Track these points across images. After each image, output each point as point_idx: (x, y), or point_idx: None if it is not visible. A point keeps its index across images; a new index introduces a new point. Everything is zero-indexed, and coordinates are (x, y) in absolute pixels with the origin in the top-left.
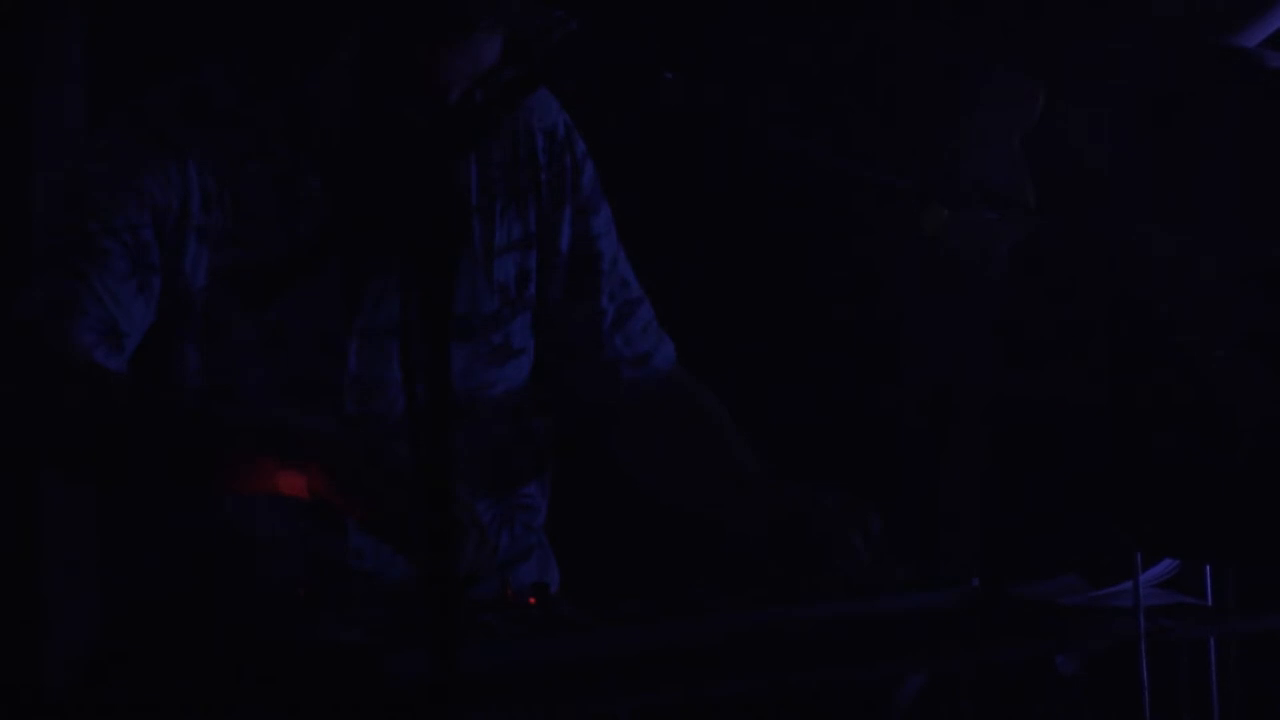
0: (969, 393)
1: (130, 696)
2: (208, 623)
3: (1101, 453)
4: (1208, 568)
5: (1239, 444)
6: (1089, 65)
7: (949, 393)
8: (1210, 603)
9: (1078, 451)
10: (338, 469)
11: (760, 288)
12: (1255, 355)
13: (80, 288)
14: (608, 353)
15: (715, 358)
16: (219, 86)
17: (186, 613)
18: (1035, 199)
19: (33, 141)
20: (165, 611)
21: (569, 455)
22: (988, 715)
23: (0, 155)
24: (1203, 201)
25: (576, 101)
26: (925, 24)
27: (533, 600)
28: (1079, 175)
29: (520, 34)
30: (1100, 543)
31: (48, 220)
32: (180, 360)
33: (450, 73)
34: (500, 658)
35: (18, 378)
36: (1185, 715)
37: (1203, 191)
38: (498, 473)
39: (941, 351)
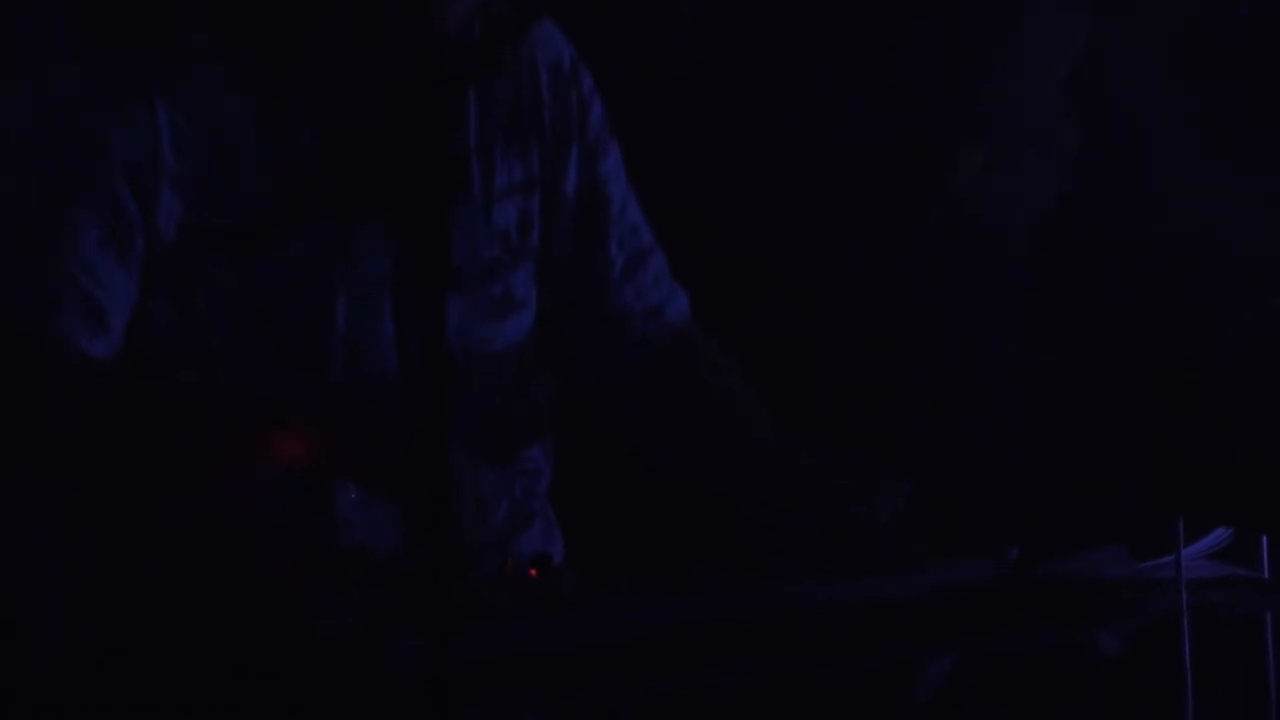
0: (991, 362)
1: (129, 695)
2: (205, 617)
3: (1146, 415)
4: (1264, 538)
5: None
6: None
7: (971, 362)
8: (1266, 575)
9: (1121, 414)
10: (330, 424)
11: (778, 246)
12: None
13: (53, 267)
14: (617, 305)
15: (729, 316)
16: (192, 27)
17: (182, 607)
18: (1077, 141)
19: None
20: (160, 607)
21: (575, 417)
22: (1019, 701)
23: None
24: (1245, 149)
25: (582, 34)
26: None
27: (534, 572)
28: (1118, 123)
29: None
30: (1147, 512)
31: (8, 195)
32: (148, 321)
33: (447, 3)
34: (500, 639)
35: None
36: (1237, 697)
37: (1244, 140)
38: (498, 435)
39: (965, 321)
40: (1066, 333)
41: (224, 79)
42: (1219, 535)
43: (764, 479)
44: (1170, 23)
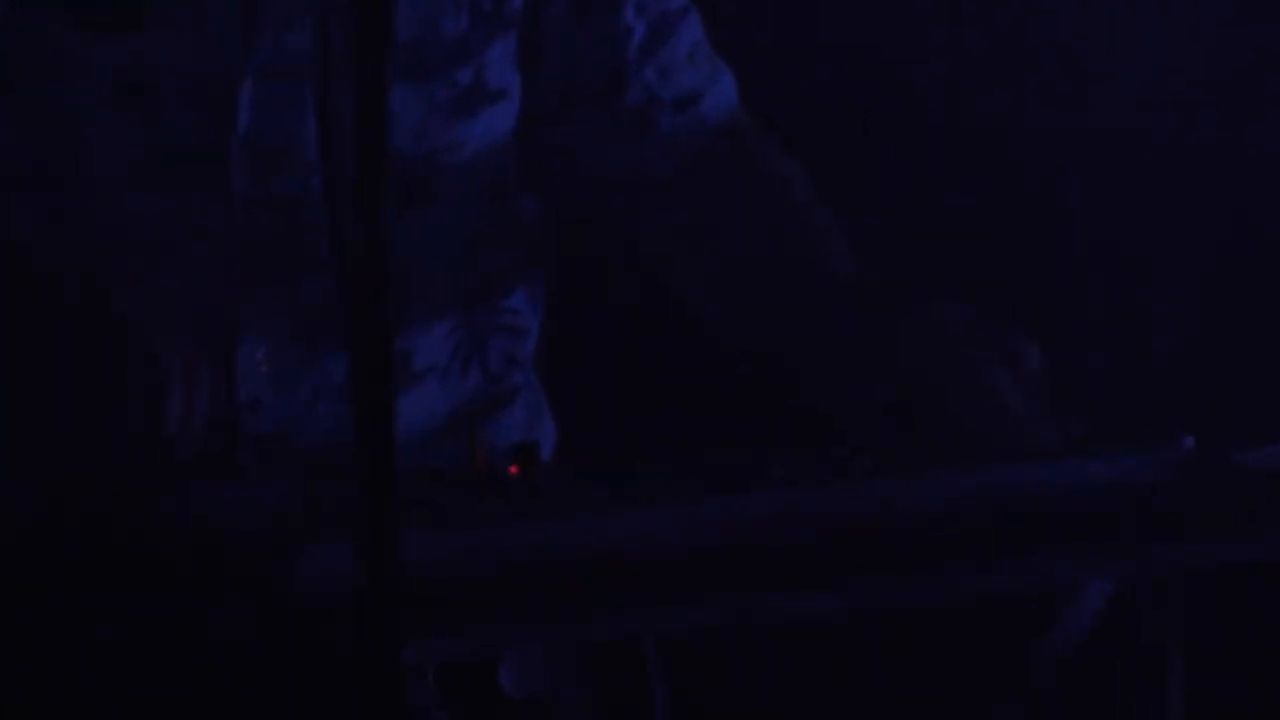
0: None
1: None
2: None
3: None
4: None
5: None
6: None
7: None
8: None
9: None
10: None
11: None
12: None
13: None
14: (634, 93)
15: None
16: None
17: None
18: None
19: None
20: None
21: (574, 254)
22: (1210, 639)
23: None
24: None
25: None
26: None
27: (515, 469)
28: None
29: None
30: None
31: None
32: None
33: None
34: (465, 553)
35: None
36: None
37: None
38: (467, 275)
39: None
40: None
41: None
42: None
43: (841, 332)
44: None
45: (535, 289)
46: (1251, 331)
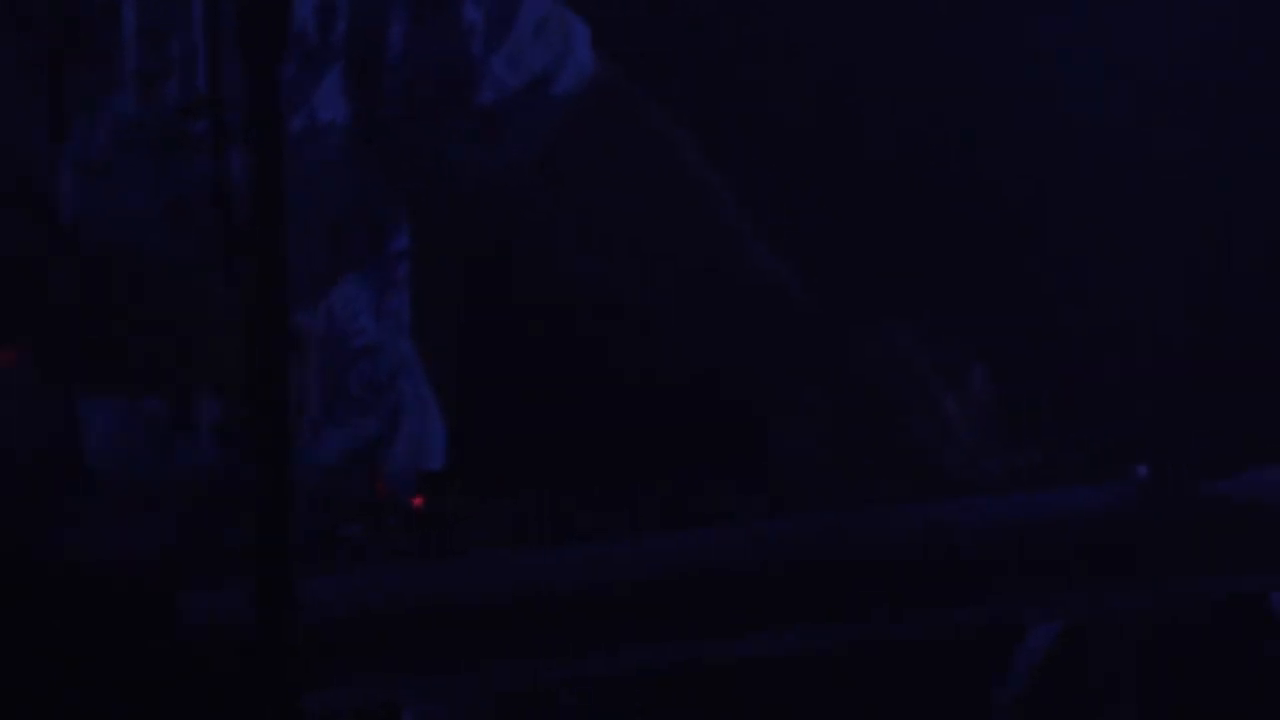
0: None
1: None
2: None
3: None
4: None
5: None
6: None
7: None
8: None
9: None
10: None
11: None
12: None
13: None
14: (486, 90)
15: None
16: None
17: None
18: None
19: None
20: None
21: (474, 262)
22: (1158, 677)
23: None
24: None
25: None
26: None
27: (419, 500)
28: None
29: None
30: None
31: None
32: None
33: None
34: (364, 596)
35: None
36: None
37: None
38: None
39: None
40: None
41: None
42: None
43: (782, 354)
44: None
45: (384, 300)
46: (1210, 359)
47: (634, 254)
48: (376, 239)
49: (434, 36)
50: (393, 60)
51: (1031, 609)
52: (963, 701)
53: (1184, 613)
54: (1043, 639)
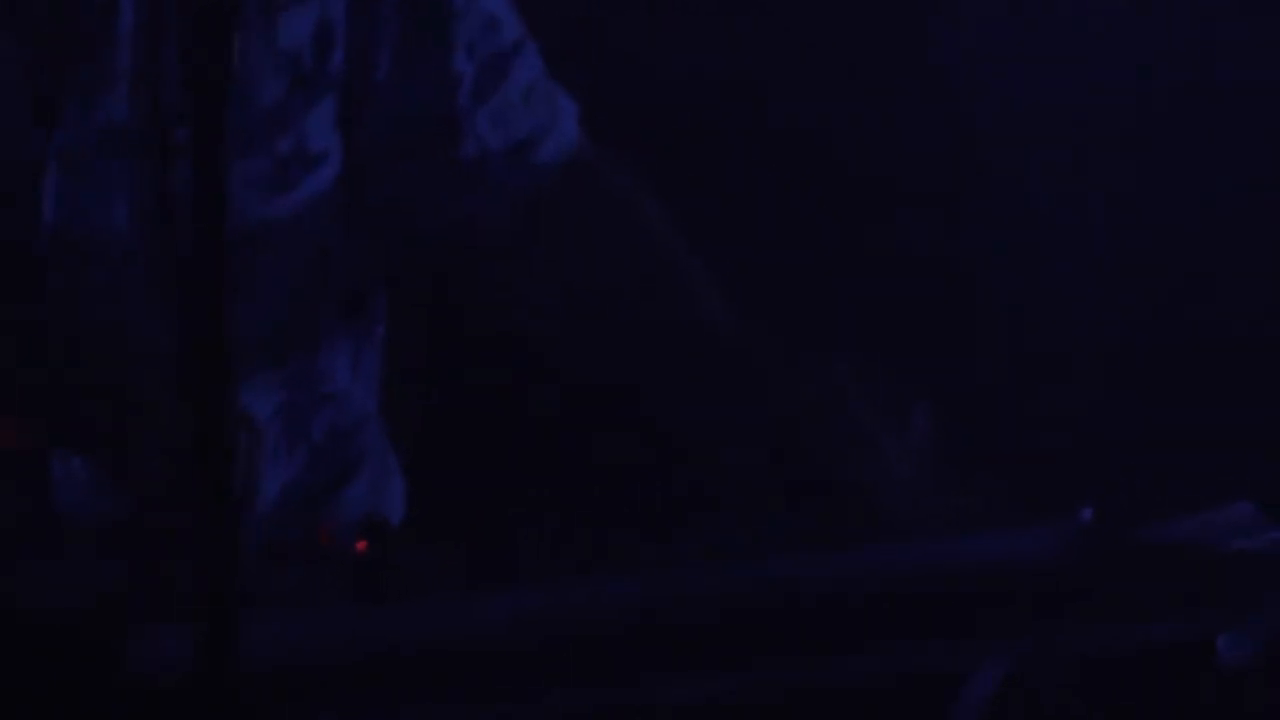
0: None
1: None
2: None
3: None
4: None
5: None
6: None
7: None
8: None
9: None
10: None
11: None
12: None
13: None
14: (468, 145)
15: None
16: None
17: None
18: None
19: None
20: None
21: (417, 307)
22: None
23: None
24: None
25: None
26: None
27: (363, 545)
28: None
29: None
30: None
31: None
32: None
33: None
34: (307, 641)
35: None
36: None
37: None
38: (280, 338)
39: None
40: None
41: None
42: None
43: (718, 390)
44: None
45: (359, 349)
46: (1159, 398)
47: (595, 318)
48: (359, 288)
49: (423, 83)
50: (379, 98)
51: (972, 654)
52: None
53: (1129, 657)
54: (984, 685)
